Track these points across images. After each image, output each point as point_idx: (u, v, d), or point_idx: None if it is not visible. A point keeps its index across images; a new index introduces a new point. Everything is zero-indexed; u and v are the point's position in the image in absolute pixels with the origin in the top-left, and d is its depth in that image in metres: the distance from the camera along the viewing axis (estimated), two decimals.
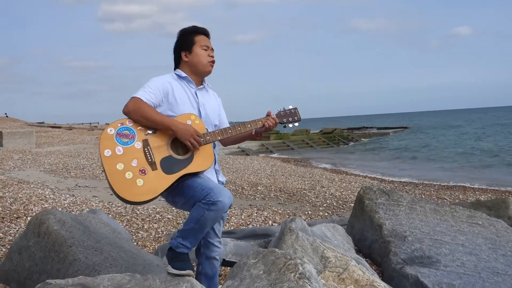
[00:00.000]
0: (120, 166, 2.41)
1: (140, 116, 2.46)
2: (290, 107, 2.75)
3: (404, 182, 13.56)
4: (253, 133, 2.70)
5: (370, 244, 4.39)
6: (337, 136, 39.00)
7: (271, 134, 35.41)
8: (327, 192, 10.26)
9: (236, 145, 31.06)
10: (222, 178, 2.76)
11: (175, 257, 2.42)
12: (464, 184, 12.86)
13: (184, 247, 2.41)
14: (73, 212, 6.53)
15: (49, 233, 3.06)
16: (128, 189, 2.38)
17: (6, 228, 5.35)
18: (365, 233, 4.53)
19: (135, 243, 4.95)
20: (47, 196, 7.88)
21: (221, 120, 2.83)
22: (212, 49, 2.73)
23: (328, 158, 24.11)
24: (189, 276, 2.39)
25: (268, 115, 2.70)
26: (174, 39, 2.74)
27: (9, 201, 6.95)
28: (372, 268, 3.91)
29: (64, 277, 2.60)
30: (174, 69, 2.74)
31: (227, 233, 4.44)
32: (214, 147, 2.67)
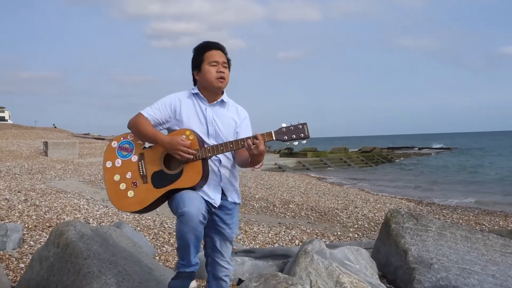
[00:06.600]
0: (116, 177, 2.60)
1: (135, 130, 2.60)
2: (300, 122, 2.51)
3: (442, 205, 13.10)
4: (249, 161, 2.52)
5: (395, 269, 4.24)
6: (376, 156, 38.32)
7: (308, 151, 35.21)
8: (360, 213, 10.05)
9: (273, 162, 30.97)
10: (234, 198, 2.67)
11: (175, 275, 2.47)
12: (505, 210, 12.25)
13: (182, 265, 2.44)
14: (103, 224, 6.66)
15: (67, 245, 3.12)
16: (120, 199, 2.57)
17: (37, 237, 5.51)
18: (390, 258, 4.38)
19: (158, 257, 4.98)
20: (81, 206, 8.08)
21: (239, 137, 2.60)
22: (225, 63, 2.63)
23: (365, 178, 23.68)
24: None
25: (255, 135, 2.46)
26: None
27: (44, 210, 7.19)
28: None
29: None
30: (194, 86, 2.74)
31: (246, 252, 4.40)
32: (220, 164, 2.60)
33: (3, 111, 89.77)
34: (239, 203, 2.73)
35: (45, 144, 23.58)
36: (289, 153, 35.20)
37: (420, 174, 26.89)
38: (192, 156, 2.46)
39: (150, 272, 3.26)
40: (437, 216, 10.44)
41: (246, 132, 2.68)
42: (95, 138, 47.31)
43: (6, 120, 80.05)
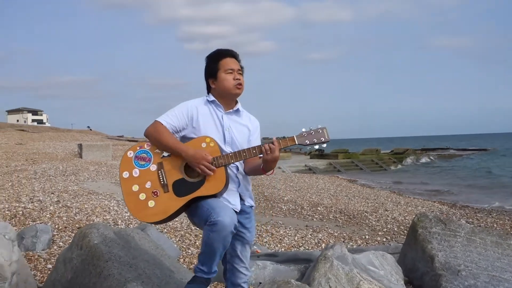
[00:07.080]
0: (135, 188, 2.55)
1: (155, 139, 2.58)
2: (319, 126, 2.56)
3: (476, 208, 12.71)
4: (261, 167, 2.55)
5: (421, 275, 4.13)
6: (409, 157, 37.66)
7: (339, 153, 34.86)
8: (390, 216, 9.86)
9: (303, 164, 30.82)
10: (250, 202, 2.70)
11: (191, 280, 2.46)
12: None
13: (201, 271, 2.44)
14: (131, 225, 6.76)
15: (90, 247, 3.17)
16: (140, 210, 2.53)
17: (66, 238, 5.64)
18: (417, 263, 4.27)
19: (182, 260, 5.01)
20: (111, 208, 8.22)
21: (251, 145, 2.66)
22: (240, 70, 2.68)
23: (397, 180, 23.25)
24: None
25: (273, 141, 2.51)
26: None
27: (74, 211, 7.35)
28: None
29: None
30: (207, 93, 2.76)
31: (268, 256, 4.37)
32: (237, 170, 2.63)
33: (41, 115, 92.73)
34: (254, 206, 2.74)
35: (80, 146, 24.17)
36: (320, 154, 34.95)
37: (455, 176, 26.20)
38: (212, 173, 2.46)
39: (170, 275, 3.27)
40: (470, 219, 10.13)
41: (257, 140, 2.74)
42: (128, 140, 48.20)
43: (44, 123, 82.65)
